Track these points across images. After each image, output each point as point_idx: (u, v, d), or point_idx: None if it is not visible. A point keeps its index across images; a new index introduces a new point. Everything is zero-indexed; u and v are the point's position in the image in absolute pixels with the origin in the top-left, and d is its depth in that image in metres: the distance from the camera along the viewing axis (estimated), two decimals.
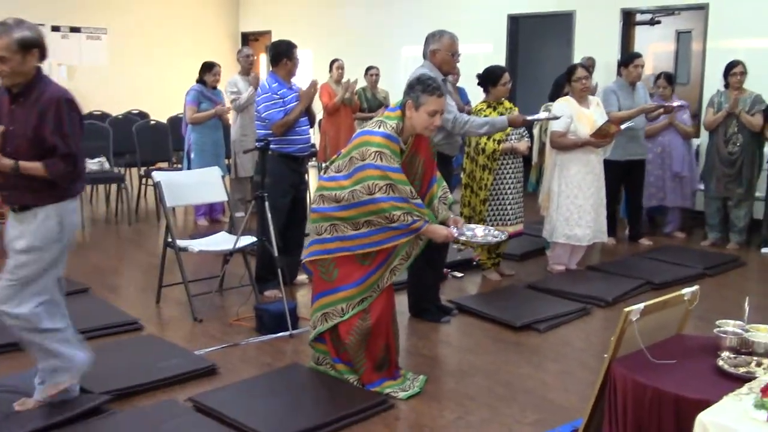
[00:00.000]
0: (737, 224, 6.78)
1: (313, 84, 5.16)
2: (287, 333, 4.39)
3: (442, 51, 4.59)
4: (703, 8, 7.90)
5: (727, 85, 6.70)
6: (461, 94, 8.16)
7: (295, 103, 5.06)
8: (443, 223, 3.60)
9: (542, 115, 5.34)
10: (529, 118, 5.10)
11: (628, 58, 6.82)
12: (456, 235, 3.48)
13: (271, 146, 4.93)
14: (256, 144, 4.85)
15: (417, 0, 10.73)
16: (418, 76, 3.49)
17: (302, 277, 5.55)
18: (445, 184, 3.72)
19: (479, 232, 3.72)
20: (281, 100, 5.01)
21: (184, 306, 4.88)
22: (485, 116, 5.27)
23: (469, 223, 5.47)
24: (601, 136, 5.52)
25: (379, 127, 3.38)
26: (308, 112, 5.23)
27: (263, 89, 5.13)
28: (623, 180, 6.82)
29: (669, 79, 7.13)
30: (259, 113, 5.11)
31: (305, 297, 5.24)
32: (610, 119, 5.69)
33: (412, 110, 3.39)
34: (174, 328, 4.62)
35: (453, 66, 4.75)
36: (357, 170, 3.31)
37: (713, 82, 7.33)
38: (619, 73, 6.86)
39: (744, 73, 6.60)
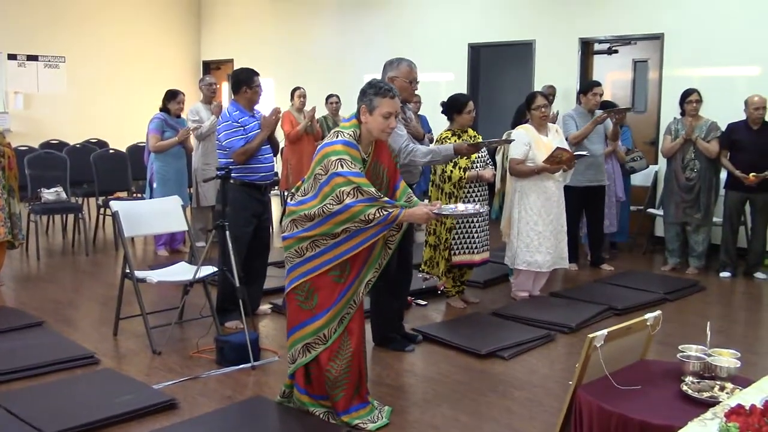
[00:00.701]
0: (696, 249, 6.87)
1: (275, 112, 5.14)
2: (249, 365, 4.30)
3: (399, 78, 4.59)
4: (658, 38, 8.07)
5: (683, 113, 6.83)
6: (423, 122, 8.20)
7: (257, 131, 5.02)
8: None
9: (495, 139, 5.33)
10: (474, 144, 5.00)
11: (587, 86, 6.92)
12: (436, 211, 3.41)
13: (234, 174, 4.89)
14: (217, 173, 4.78)
15: (379, 29, 10.81)
16: (370, 80, 3.47)
17: (264, 308, 5.48)
18: (409, 190, 3.68)
19: (460, 206, 3.73)
20: (242, 128, 4.97)
21: (142, 338, 4.76)
22: (451, 142, 5.29)
23: (434, 252, 5.50)
24: (555, 163, 5.57)
25: (337, 137, 3.37)
26: (271, 141, 5.19)
27: (224, 117, 5.09)
28: (583, 206, 6.87)
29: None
30: (219, 141, 5.06)
31: (267, 327, 5.17)
32: (563, 149, 5.74)
33: (366, 115, 3.38)
34: (132, 361, 4.50)
35: (411, 93, 4.74)
36: (323, 185, 3.28)
37: (670, 110, 7.48)
38: (578, 101, 6.95)
39: (699, 101, 6.73)
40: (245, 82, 5.08)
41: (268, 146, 5.16)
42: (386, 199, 3.34)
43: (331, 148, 3.32)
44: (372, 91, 3.38)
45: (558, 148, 5.57)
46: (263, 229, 5.25)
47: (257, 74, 5.16)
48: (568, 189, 6.69)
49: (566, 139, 6.16)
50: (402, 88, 4.59)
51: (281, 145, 9.87)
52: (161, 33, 13.26)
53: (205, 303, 4.93)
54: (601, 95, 6.86)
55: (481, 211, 3.77)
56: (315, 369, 3.50)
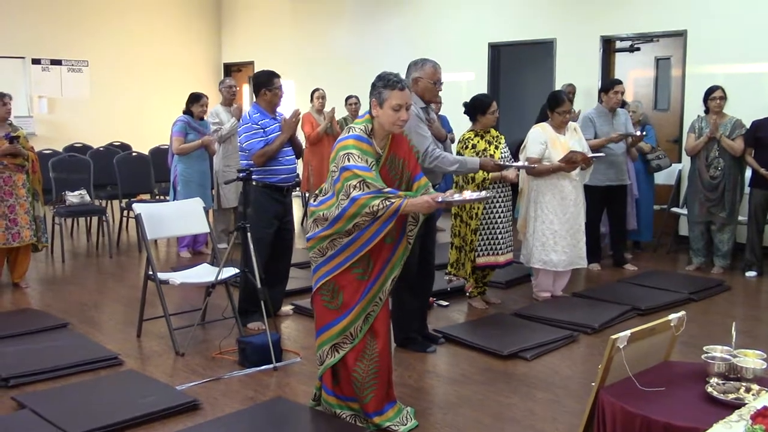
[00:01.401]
0: (721, 248, 6.79)
1: (296, 113, 5.15)
2: (271, 366, 4.32)
3: (424, 79, 4.57)
4: (681, 35, 7.99)
5: (707, 110, 6.75)
6: (443, 122, 8.17)
7: (278, 133, 5.04)
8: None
9: (516, 163, 5.31)
10: (501, 163, 5.07)
11: (609, 84, 6.87)
12: (439, 199, 3.35)
13: (255, 176, 4.91)
14: (238, 174, 4.80)
15: (399, 29, 10.81)
16: (379, 74, 3.46)
17: (286, 309, 5.49)
18: (429, 184, 3.63)
19: (466, 195, 3.67)
20: (262, 131, 4.99)
21: (165, 340, 4.80)
22: (473, 144, 5.29)
23: (460, 254, 5.48)
24: (570, 162, 5.54)
25: (348, 132, 3.39)
26: (293, 143, 5.20)
27: (244, 120, 5.13)
28: (605, 205, 6.82)
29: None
30: (240, 143, 5.09)
31: (289, 329, 5.19)
32: (580, 144, 5.71)
33: (377, 109, 3.36)
34: (155, 362, 4.53)
35: (435, 94, 4.72)
36: (335, 182, 3.31)
37: (693, 108, 7.39)
38: (599, 100, 6.90)
39: (723, 98, 6.65)
40: (265, 84, 5.10)
41: (290, 148, 5.17)
42: (390, 189, 3.31)
43: (341, 144, 3.34)
44: (381, 84, 3.37)
45: (572, 150, 5.54)
46: (286, 231, 5.25)
47: (278, 76, 5.17)
48: (589, 188, 6.66)
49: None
50: (426, 89, 4.59)
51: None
52: (182, 36, 13.36)
53: (227, 304, 4.97)
54: (623, 93, 6.80)
55: (486, 196, 3.73)
56: (343, 370, 3.50)
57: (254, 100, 5.23)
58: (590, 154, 5.70)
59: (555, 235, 5.63)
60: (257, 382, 4.17)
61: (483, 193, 3.73)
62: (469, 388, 4.11)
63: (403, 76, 4.62)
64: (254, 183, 4.95)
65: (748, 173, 6.72)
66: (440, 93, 4.85)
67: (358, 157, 3.27)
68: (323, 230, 3.37)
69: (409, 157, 3.55)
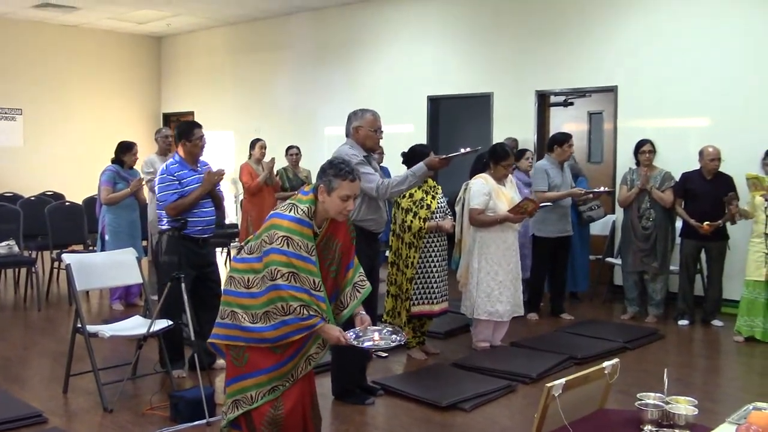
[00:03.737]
0: (654, 297, 6.93)
1: (219, 173, 5.12)
2: (204, 421, 4.18)
3: (364, 128, 4.62)
4: (612, 90, 8.27)
5: (637, 163, 6.96)
6: (385, 172, 8.21)
7: (196, 185, 4.99)
8: (353, 317, 3.46)
9: (460, 150, 5.18)
10: (445, 156, 4.95)
11: (562, 138, 6.96)
12: (350, 340, 3.25)
13: (169, 226, 4.89)
14: (168, 225, 4.74)
15: (340, 81, 10.93)
16: (331, 159, 3.41)
17: (221, 362, 5.35)
18: (361, 270, 3.57)
19: (376, 336, 3.38)
20: (177, 182, 4.95)
21: (93, 396, 4.61)
22: (410, 193, 5.32)
23: (396, 302, 5.46)
24: (519, 212, 5.62)
25: (290, 211, 3.25)
26: (213, 196, 5.16)
27: (162, 170, 5.06)
28: (551, 256, 6.92)
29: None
30: (156, 194, 5.03)
31: (223, 382, 5.02)
32: (534, 198, 5.80)
33: (324, 195, 3.28)
34: (81, 419, 4.35)
35: (376, 142, 4.76)
36: (265, 254, 3.19)
37: (625, 160, 7.62)
38: (550, 151, 7.01)
39: (653, 151, 6.87)
40: (184, 135, 5.06)
41: (209, 200, 5.12)
42: (320, 295, 3.19)
43: (280, 222, 3.20)
44: (332, 172, 3.29)
45: (525, 198, 5.62)
46: (210, 281, 5.17)
47: (198, 126, 5.13)
48: (539, 240, 6.79)
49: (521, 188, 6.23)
50: (367, 137, 4.63)
51: (241, 197, 9.83)
52: (121, 86, 13.24)
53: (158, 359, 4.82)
54: (573, 147, 6.99)
55: (397, 343, 3.40)
56: (253, 427, 3.36)
57: (175, 150, 5.19)
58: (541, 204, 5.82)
59: (500, 285, 5.67)
60: None
61: (393, 336, 3.41)
62: None
63: (343, 128, 4.68)
64: (169, 233, 4.88)
65: (679, 224, 6.91)
66: (381, 143, 4.87)
67: (299, 243, 3.16)
68: (236, 294, 3.26)
69: (345, 239, 3.47)
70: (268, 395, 3.29)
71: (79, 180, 10.96)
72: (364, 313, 3.48)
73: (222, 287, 3.39)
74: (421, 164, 4.67)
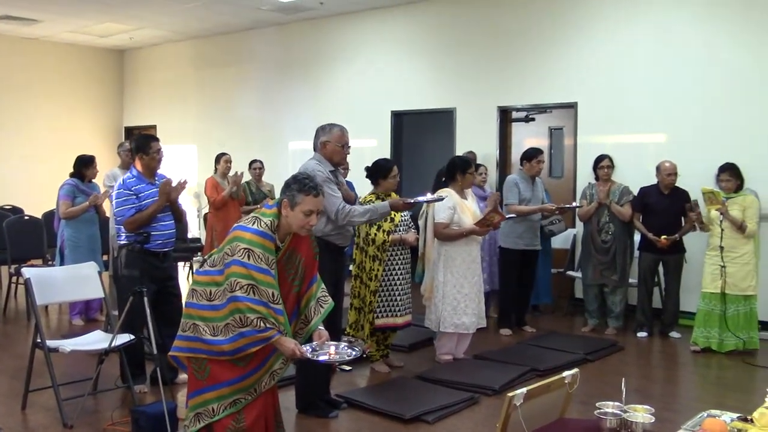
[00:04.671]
0: (614, 310, 7.05)
1: (180, 184, 5.11)
2: None
3: (332, 143, 4.66)
4: (572, 107, 8.43)
5: (597, 178, 7.09)
6: (350, 187, 8.25)
7: (154, 199, 4.97)
8: (312, 332, 3.49)
9: (425, 197, 5.35)
10: (410, 200, 5.07)
11: (532, 153, 7.03)
12: (306, 354, 3.29)
13: (125, 241, 4.89)
14: (118, 240, 4.73)
15: (304, 96, 10.95)
16: (295, 174, 3.45)
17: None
18: (323, 285, 3.61)
19: (332, 350, 3.43)
20: (135, 197, 4.92)
21: (53, 412, 4.54)
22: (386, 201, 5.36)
23: (359, 315, 5.49)
24: (485, 225, 5.69)
25: (253, 224, 3.27)
26: (174, 209, 5.14)
27: (119, 185, 5.01)
28: (519, 268, 6.99)
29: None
30: (113, 209, 4.98)
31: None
32: (495, 211, 5.86)
33: (287, 209, 3.31)
34: None
35: (343, 157, 4.81)
36: (227, 266, 3.21)
37: (585, 175, 7.76)
38: (521, 165, 7.10)
39: (611, 166, 7.02)
40: (141, 148, 5.04)
41: (169, 213, 5.10)
42: (277, 308, 3.22)
43: (243, 234, 3.23)
44: (296, 187, 3.33)
45: (491, 210, 5.69)
46: (171, 296, 5.14)
47: (155, 140, 5.12)
48: (505, 251, 6.84)
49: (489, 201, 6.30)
50: (334, 152, 4.67)
51: (205, 211, 9.78)
52: (82, 99, 13.11)
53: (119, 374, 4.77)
54: (543, 162, 7.07)
55: (353, 357, 3.44)
56: (218, 429, 3.36)
57: (132, 164, 5.16)
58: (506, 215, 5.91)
59: (466, 298, 5.72)
60: None
61: (348, 350, 3.44)
62: None
63: (309, 142, 4.72)
64: (128, 248, 4.87)
65: (637, 237, 7.05)
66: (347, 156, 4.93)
67: (260, 256, 3.19)
68: (198, 307, 3.28)
69: (308, 254, 3.50)
70: (230, 408, 3.29)
71: (39, 194, 10.81)
72: (322, 327, 3.51)
73: (184, 300, 3.38)
74: (385, 203, 4.83)
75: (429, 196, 5.33)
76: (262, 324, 3.16)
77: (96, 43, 12.91)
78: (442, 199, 5.51)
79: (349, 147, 4.80)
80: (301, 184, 3.33)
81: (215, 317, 3.22)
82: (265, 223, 3.28)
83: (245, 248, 3.18)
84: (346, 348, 3.44)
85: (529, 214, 6.78)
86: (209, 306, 3.24)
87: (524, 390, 2.73)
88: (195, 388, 3.36)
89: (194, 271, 3.49)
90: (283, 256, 3.35)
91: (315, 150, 4.73)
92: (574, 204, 7.18)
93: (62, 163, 11.32)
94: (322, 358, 3.38)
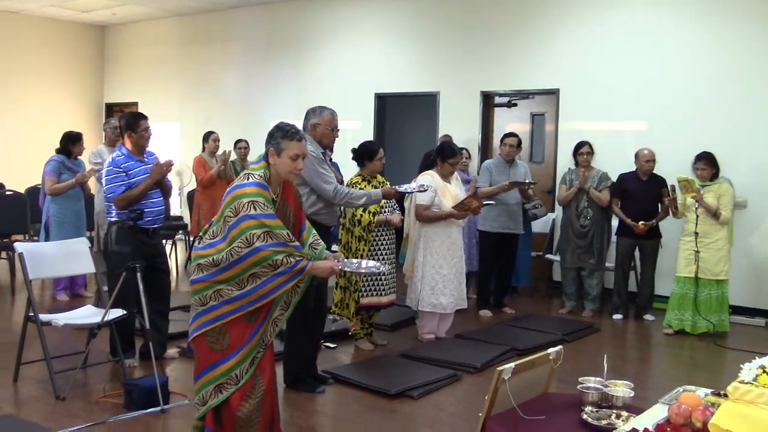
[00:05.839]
0: (591, 293, 7.24)
1: (167, 164, 5.17)
2: (158, 408, 4.24)
3: (322, 125, 4.76)
4: (554, 93, 8.57)
5: (576, 164, 7.25)
6: (336, 167, 8.33)
7: (144, 176, 5.03)
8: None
9: (412, 186, 5.52)
10: (400, 189, 5.29)
11: (504, 136, 7.23)
12: (340, 267, 3.51)
13: (115, 218, 4.96)
14: (107, 217, 4.80)
15: (289, 76, 10.98)
16: (277, 123, 3.56)
17: (172, 351, 5.41)
18: (314, 231, 3.73)
19: (363, 264, 3.85)
20: (124, 174, 4.98)
21: (44, 384, 4.62)
22: (360, 188, 5.48)
23: (344, 294, 5.61)
24: (463, 209, 5.82)
25: (248, 179, 3.37)
26: (162, 185, 5.21)
27: (108, 163, 5.06)
28: (497, 251, 7.13)
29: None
30: (102, 187, 5.04)
31: (176, 371, 5.10)
32: (475, 194, 6.01)
33: (274, 157, 3.43)
34: (33, 407, 4.36)
35: (332, 141, 4.92)
36: (232, 228, 3.27)
37: (565, 161, 7.92)
38: (499, 151, 7.25)
39: (591, 152, 7.18)
40: (130, 126, 5.09)
41: (157, 190, 5.17)
42: (296, 244, 3.36)
43: (242, 190, 3.31)
44: (280, 134, 3.44)
45: (468, 195, 5.83)
46: (160, 272, 5.23)
47: (144, 118, 5.17)
48: (482, 234, 6.97)
49: (470, 186, 6.44)
50: (324, 135, 4.78)
51: (187, 190, 9.82)
52: (63, 74, 13.00)
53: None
54: (514, 145, 7.18)
55: (382, 269, 3.91)
56: (226, 411, 3.45)
57: (121, 141, 5.21)
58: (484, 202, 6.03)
59: (444, 279, 5.86)
60: (144, 426, 4.10)
61: (379, 265, 3.84)
62: (357, 427, 4.20)
63: (293, 122, 4.80)
64: (119, 224, 4.94)
65: (615, 222, 7.23)
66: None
67: (264, 204, 3.28)
68: (212, 276, 3.33)
69: (296, 205, 3.63)
70: (250, 368, 3.39)
71: (21, 169, 10.77)
72: (331, 252, 3.70)
73: (191, 278, 3.43)
74: (378, 191, 5.08)
75: (412, 185, 5.49)
76: (291, 260, 3.28)
77: (77, 18, 12.79)
78: (425, 190, 5.64)
79: (339, 130, 4.90)
80: (284, 131, 3.45)
81: (235, 274, 3.29)
82: (258, 175, 3.39)
83: (249, 201, 3.26)
84: (370, 263, 3.85)
85: (492, 194, 6.82)
86: (220, 270, 3.31)
87: (512, 365, 2.87)
88: (214, 360, 3.39)
89: (193, 247, 3.54)
90: (279, 208, 3.46)
91: (304, 131, 4.82)
92: (526, 180, 7.16)
93: (43, 139, 11.31)
94: (355, 266, 3.83)
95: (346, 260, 3.72)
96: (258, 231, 3.23)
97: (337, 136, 4.92)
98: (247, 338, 3.40)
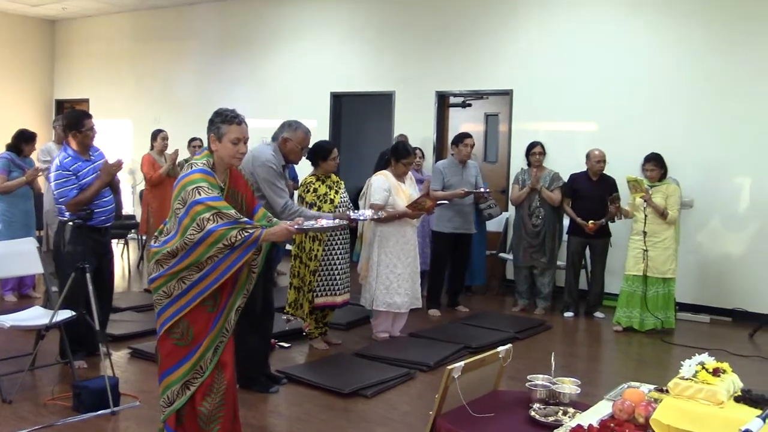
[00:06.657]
0: (543, 291, 7.36)
1: (117, 164, 5.10)
2: (109, 410, 4.20)
3: (293, 141, 4.81)
4: (508, 93, 8.67)
5: (529, 164, 7.36)
6: (290, 171, 8.31)
7: (93, 176, 4.96)
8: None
9: (367, 213, 5.36)
10: (353, 216, 5.12)
11: (459, 137, 7.19)
12: (296, 227, 3.48)
13: (66, 217, 4.89)
14: (59, 217, 4.76)
15: (244, 73, 10.89)
16: (216, 109, 3.55)
17: (120, 353, 5.35)
18: (269, 213, 3.73)
19: (320, 222, 3.79)
20: (74, 177, 4.89)
21: None
22: (314, 188, 5.48)
23: (298, 294, 5.61)
24: (417, 209, 5.86)
25: (192, 168, 3.35)
26: (110, 184, 5.14)
27: (56, 166, 4.94)
28: (450, 252, 7.18)
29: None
30: (53, 191, 4.95)
31: (127, 372, 5.05)
32: (427, 196, 6.07)
33: (216, 143, 3.40)
34: None
35: (299, 158, 4.96)
36: (182, 218, 3.26)
37: (518, 161, 8.02)
38: (451, 151, 7.29)
39: (543, 153, 7.29)
40: (74, 126, 4.98)
41: (108, 189, 5.11)
42: (246, 219, 3.37)
43: (187, 179, 3.29)
44: (219, 119, 3.43)
45: (422, 195, 5.87)
46: (107, 272, 5.19)
47: (88, 116, 5.09)
48: (436, 234, 7.01)
49: (423, 186, 6.48)
50: (292, 152, 4.85)
51: (139, 188, 9.69)
52: (11, 69, 12.70)
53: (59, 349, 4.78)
54: (472, 147, 7.19)
55: (340, 224, 3.93)
56: (188, 409, 3.41)
57: (65, 141, 5.10)
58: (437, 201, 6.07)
59: (399, 278, 5.89)
60: (94, 428, 4.05)
61: (337, 221, 3.88)
62: (311, 426, 4.21)
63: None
64: (72, 223, 4.87)
65: (566, 222, 7.36)
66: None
67: (208, 188, 3.27)
68: (171, 268, 3.33)
69: (246, 191, 3.63)
70: (214, 358, 3.39)
71: None
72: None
73: (150, 276, 3.41)
74: (330, 216, 4.92)
75: (367, 213, 5.28)
76: (244, 233, 3.26)
77: (27, 12, 12.52)
78: (379, 217, 5.62)
79: (307, 149, 4.93)
80: (223, 116, 3.43)
81: (194, 260, 3.28)
82: (202, 163, 3.37)
83: (194, 188, 3.25)
84: (328, 221, 3.83)
85: (444, 199, 6.80)
86: (179, 259, 3.30)
87: (462, 364, 2.91)
88: (181, 357, 3.37)
89: (150, 245, 3.50)
90: (228, 196, 3.45)
91: (274, 140, 4.84)
92: (482, 189, 7.23)
93: None
94: (315, 226, 3.70)
95: (305, 223, 3.65)
96: (207, 214, 3.22)
97: (305, 155, 4.93)
98: (210, 328, 3.39)
